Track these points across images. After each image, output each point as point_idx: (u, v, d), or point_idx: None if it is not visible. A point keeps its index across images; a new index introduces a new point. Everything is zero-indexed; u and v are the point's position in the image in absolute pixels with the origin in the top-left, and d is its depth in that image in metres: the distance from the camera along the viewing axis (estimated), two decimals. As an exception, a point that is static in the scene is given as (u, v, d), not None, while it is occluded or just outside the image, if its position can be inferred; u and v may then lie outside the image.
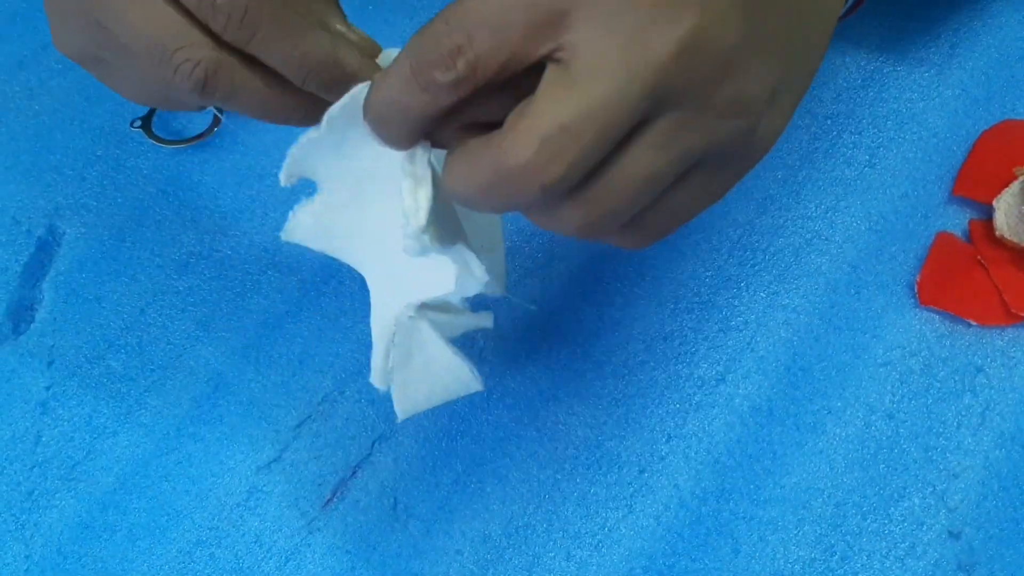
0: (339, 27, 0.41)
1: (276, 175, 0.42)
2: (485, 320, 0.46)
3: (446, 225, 0.40)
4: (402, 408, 0.47)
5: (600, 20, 0.33)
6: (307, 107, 0.40)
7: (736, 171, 0.39)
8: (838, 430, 0.52)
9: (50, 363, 0.55)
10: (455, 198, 0.36)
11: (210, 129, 0.61)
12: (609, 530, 0.50)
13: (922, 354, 0.54)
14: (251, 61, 0.39)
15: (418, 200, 0.37)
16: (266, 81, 0.39)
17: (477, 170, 0.34)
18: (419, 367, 0.45)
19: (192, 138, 0.61)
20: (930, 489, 0.51)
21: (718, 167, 0.38)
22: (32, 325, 0.56)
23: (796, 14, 0.37)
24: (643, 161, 0.34)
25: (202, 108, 0.42)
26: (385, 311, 0.44)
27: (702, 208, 0.39)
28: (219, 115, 0.61)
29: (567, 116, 0.32)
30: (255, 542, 0.51)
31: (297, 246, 0.57)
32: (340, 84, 0.38)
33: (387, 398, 0.53)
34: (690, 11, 0.33)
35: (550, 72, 0.33)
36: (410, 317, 0.43)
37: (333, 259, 0.47)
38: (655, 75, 0.33)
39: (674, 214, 0.38)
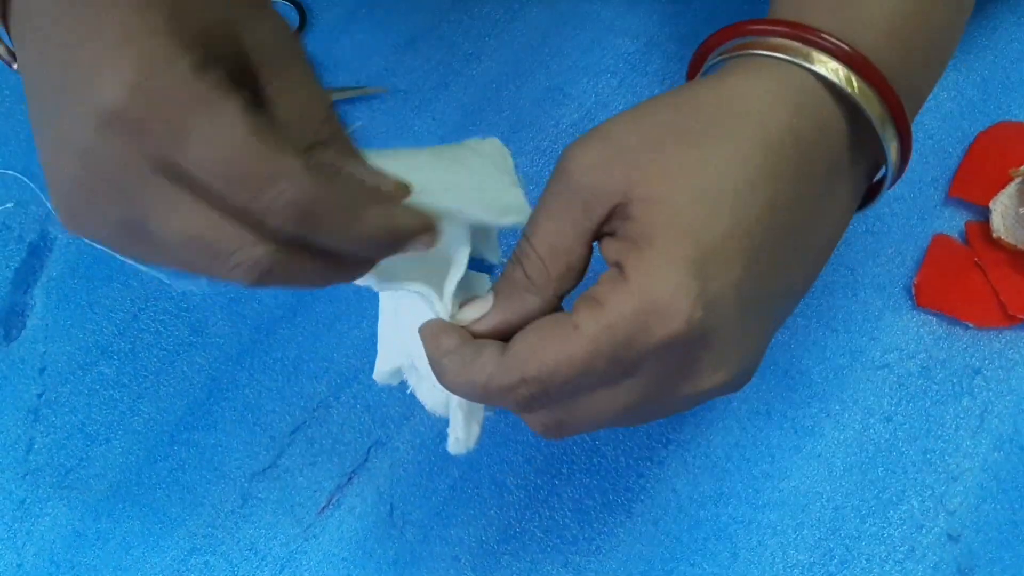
0: (376, 183, 0.38)
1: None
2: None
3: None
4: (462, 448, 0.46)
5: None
6: (360, 271, 0.40)
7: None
8: (836, 433, 0.52)
9: (42, 370, 0.54)
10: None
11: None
12: (607, 535, 0.50)
13: (920, 356, 0.54)
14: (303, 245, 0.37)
15: (471, 432, 0.43)
16: (320, 261, 0.37)
17: (471, 378, 0.38)
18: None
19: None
20: (929, 492, 0.51)
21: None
22: (24, 331, 0.55)
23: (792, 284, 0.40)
24: (619, 403, 0.38)
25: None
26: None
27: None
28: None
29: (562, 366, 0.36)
30: (250, 549, 0.50)
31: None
32: (398, 248, 0.37)
33: (383, 403, 0.53)
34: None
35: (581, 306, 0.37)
36: None
37: None
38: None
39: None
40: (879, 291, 0.56)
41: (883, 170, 0.41)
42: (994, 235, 0.55)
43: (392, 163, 0.39)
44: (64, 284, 0.57)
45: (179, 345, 0.55)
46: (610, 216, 0.37)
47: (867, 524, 0.50)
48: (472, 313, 0.40)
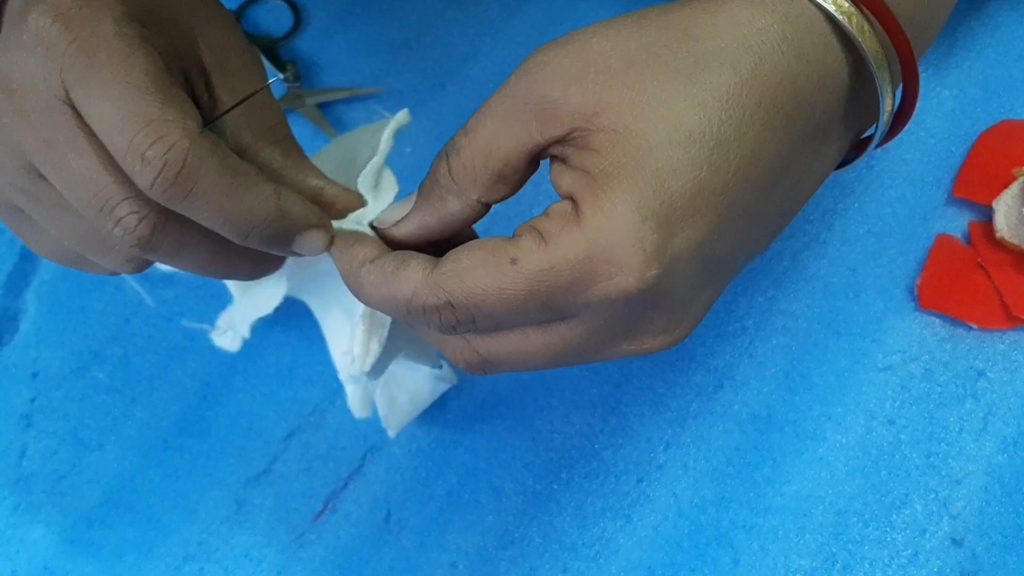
0: (309, 179, 0.38)
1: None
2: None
3: (397, 345, 0.42)
4: (394, 423, 0.47)
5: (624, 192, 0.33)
6: (255, 264, 0.39)
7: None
8: (838, 437, 0.52)
9: (34, 375, 0.54)
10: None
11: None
12: (607, 541, 0.50)
13: (923, 358, 0.53)
14: None
15: (369, 348, 0.39)
16: (209, 240, 0.36)
17: (393, 291, 0.35)
18: (399, 381, 0.46)
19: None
20: (932, 495, 0.50)
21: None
22: (16, 336, 0.55)
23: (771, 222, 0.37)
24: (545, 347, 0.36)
25: (116, 273, 0.39)
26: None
27: None
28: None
29: (496, 292, 0.34)
30: (244, 556, 0.50)
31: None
32: (286, 238, 0.36)
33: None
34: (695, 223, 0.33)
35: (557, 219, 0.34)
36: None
37: None
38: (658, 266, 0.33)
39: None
40: (881, 293, 0.55)
41: (873, 128, 0.38)
42: (997, 235, 0.55)
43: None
44: (56, 288, 0.56)
45: (172, 350, 0.54)
46: (566, 138, 0.34)
47: (870, 528, 0.50)
48: (391, 215, 0.38)
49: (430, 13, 0.64)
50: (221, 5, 0.39)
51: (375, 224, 0.38)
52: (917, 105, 0.38)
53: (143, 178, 0.33)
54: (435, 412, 0.52)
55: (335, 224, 0.38)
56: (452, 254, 0.35)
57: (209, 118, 0.37)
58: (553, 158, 0.35)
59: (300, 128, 0.60)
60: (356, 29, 0.63)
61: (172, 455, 0.52)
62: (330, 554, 0.50)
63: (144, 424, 0.53)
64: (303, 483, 0.51)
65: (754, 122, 0.33)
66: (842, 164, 0.40)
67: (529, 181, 0.37)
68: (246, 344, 0.53)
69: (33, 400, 0.53)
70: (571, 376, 0.53)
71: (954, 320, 0.54)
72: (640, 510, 0.50)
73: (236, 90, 0.37)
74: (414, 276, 0.35)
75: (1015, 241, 0.54)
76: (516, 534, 0.50)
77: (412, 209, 0.37)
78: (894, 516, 0.50)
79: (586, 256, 0.32)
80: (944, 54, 0.62)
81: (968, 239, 0.56)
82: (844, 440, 0.52)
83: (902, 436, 0.52)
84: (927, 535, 0.50)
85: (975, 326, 0.54)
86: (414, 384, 0.48)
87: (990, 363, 0.53)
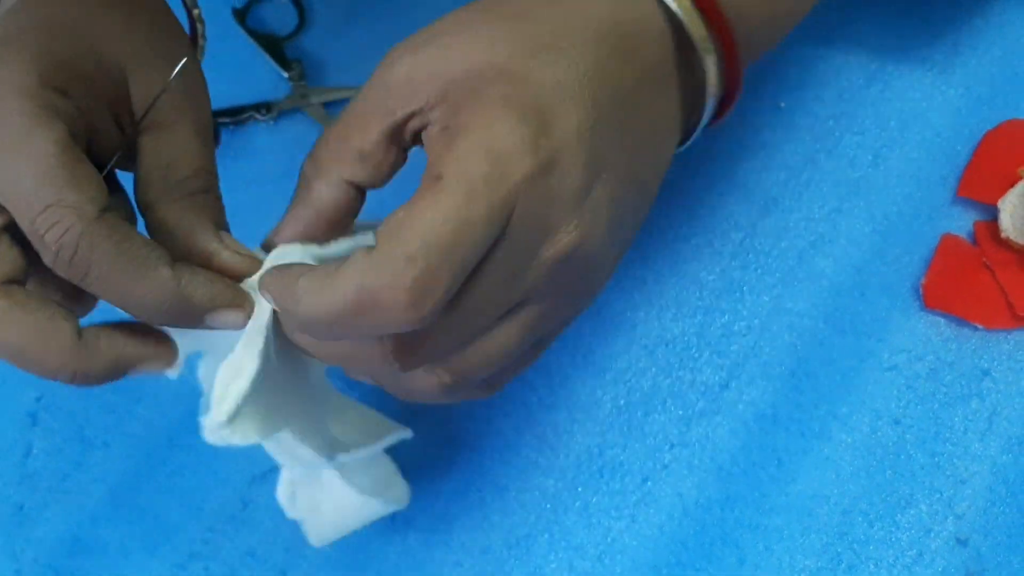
0: (204, 243, 0.37)
1: (269, 194, 0.41)
2: (403, 433, 0.45)
3: (278, 405, 0.38)
4: (314, 534, 0.46)
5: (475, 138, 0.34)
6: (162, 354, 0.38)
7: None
8: (844, 436, 0.52)
9: (40, 373, 0.54)
10: (301, 326, 0.35)
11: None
12: (612, 540, 0.50)
13: (928, 358, 0.53)
14: None
15: (228, 392, 0.36)
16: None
17: (337, 290, 0.33)
18: (329, 509, 0.44)
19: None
20: (937, 495, 0.50)
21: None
22: (21, 334, 0.55)
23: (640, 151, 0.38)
24: (514, 337, 0.36)
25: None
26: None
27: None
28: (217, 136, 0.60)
29: (441, 229, 0.32)
30: (250, 555, 0.50)
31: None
32: (192, 319, 0.36)
33: (384, 408, 0.52)
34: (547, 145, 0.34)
35: (423, 187, 0.34)
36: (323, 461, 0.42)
37: None
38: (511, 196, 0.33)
39: (519, 367, 0.40)
40: (886, 292, 0.55)
41: (707, 102, 0.40)
42: (1003, 235, 0.54)
43: None
44: (61, 286, 0.56)
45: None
46: (422, 108, 0.35)
47: (875, 528, 0.50)
48: (273, 231, 0.38)
49: (435, 11, 0.63)
50: (162, 35, 0.39)
51: (262, 245, 0.38)
52: (741, 84, 0.40)
53: (45, 258, 0.34)
54: (441, 411, 0.52)
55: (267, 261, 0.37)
56: (381, 226, 0.33)
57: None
58: (418, 136, 0.36)
59: (306, 127, 0.60)
60: (361, 27, 0.63)
61: (177, 453, 0.52)
62: (335, 552, 0.50)
63: (149, 422, 0.53)
64: (308, 482, 0.51)
65: (588, 40, 0.36)
66: (684, 141, 0.42)
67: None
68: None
69: (39, 399, 0.53)
70: (577, 376, 0.53)
71: (959, 320, 0.54)
72: (646, 509, 0.50)
73: (161, 133, 0.37)
74: (358, 262, 0.33)
75: (1020, 241, 0.54)
76: (521, 533, 0.50)
77: (287, 213, 0.38)
78: (899, 516, 0.50)
79: (488, 150, 0.33)
80: (950, 53, 0.62)
81: (973, 239, 0.56)
82: (849, 439, 0.52)
83: (907, 436, 0.52)
84: (932, 535, 0.50)
85: (980, 326, 0.54)
86: (343, 497, 0.44)
87: (995, 363, 0.53)
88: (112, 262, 0.34)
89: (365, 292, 0.32)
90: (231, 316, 0.36)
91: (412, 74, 0.36)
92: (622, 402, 0.52)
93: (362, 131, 0.36)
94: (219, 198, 0.38)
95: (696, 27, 0.38)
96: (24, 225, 0.34)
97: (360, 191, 0.37)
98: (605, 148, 0.36)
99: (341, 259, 0.33)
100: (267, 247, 0.38)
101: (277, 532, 0.50)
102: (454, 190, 0.33)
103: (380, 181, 0.37)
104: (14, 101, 0.34)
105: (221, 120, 0.60)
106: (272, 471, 0.51)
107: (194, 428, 0.52)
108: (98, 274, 0.34)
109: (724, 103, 0.41)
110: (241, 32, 0.63)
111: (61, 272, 0.34)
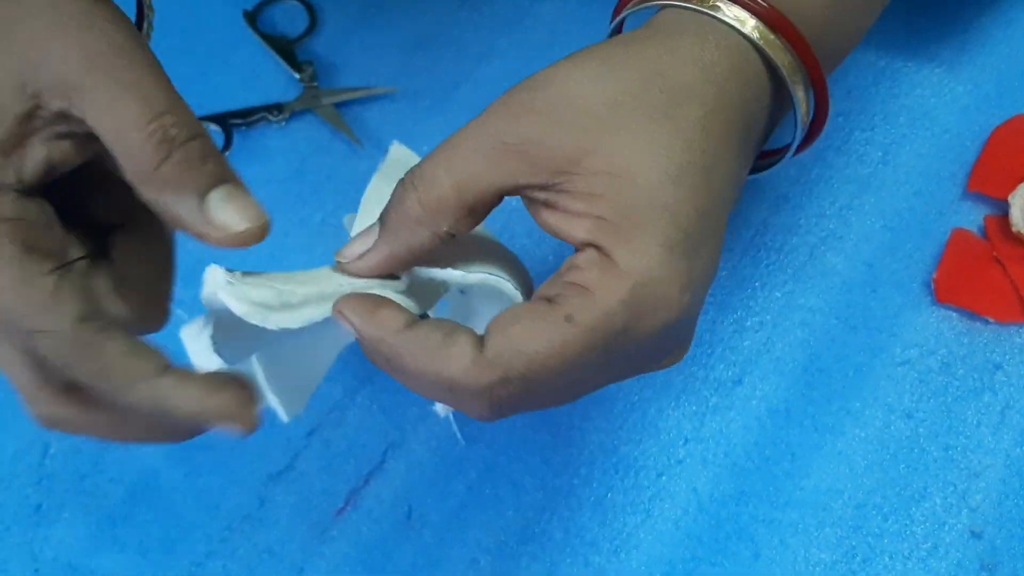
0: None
1: (281, 195, 0.41)
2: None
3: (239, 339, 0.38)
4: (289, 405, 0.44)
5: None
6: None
7: None
8: (857, 431, 0.52)
9: (56, 374, 0.54)
10: (386, 364, 0.35)
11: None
12: (627, 536, 0.50)
13: (940, 352, 0.54)
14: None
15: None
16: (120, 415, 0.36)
17: (433, 367, 0.34)
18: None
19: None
20: (951, 489, 0.51)
21: None
22: (37, 336, 0.55)
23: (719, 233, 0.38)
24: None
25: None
26: None
27: None
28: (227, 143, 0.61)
29: (547, 363, 0.33)
30: (267, 553, 0.50)
31: (307, 256, 0.57)
32: (182, 435, 0.36)
33: (399, 405, 0.52)
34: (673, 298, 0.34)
35: (550, 307, 0.34)
36: None
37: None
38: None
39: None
40: (898, 287, 0.55)
41: (796, 131, 0.41)
42: (1013, 229, 0.55)
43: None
44: (77, 288, 0.56)
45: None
46: (550, 183, 0.35)
47: (889, 522, 0.50)
48: (353, 250, 0.37)
49: (445, 13, 0.64)
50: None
51: (338, 259, 0.37)
52: (829, 113, 0.41)
53: (48, 367, 0.34)
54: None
55: (345, 284, 0.37)
56: (497, 326, 0.34)
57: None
58: (530, 201, 0.36)
59: (317, 128, 0.61)
60: (372, 29, 0.64)
61: (194, 452, 0.52)
62: (352, 550, 0.50)
63: (166, 422, 0.53)
64: (324, 480, 0.51)
65: (725, 146, 0.36)
66: (756, 170, 0.43)
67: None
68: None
69: (55, 399, 0.54)
70: (589, 372, 0.53)
71: (971, 314, 0.54)
72: (660, 505, 0.50)
73: (96, 110, 0.34)
74: (463, 353, 0.33)
75: (1031, 235, 0.54)
76: (536, 529, 0.50)
77: (379, 241, 0.36)
78: (913, 509, 0.50)
79: (632, 298, 0.33)
80: (958, 50, 0.62)
81: (984, 233, 0.56)
82: (863, 434, 0.52)
83: (920, 430, 0.52)
84: (946, 528, 0.50)
85: (992, 320, 0.54)
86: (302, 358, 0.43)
87: (1007, 356, 0.53)
88: (96, 376, 0.34)
89: (458, 385, 0.34)
90: (226, 428, 0.34)
91: (548, 148, 0.34)
92: (635, 398, 0.53)
93: (476, 188, 0.35)
94: (190, 147, 0.34)
95: (792, 72, 0.39)
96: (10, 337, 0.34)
97: (456, 238, 0.36)
98: (714, 250, 0.36)
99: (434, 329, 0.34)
100: (345, 269, 0.37)
101: (294, 530, 0.50)
102: (579, 338, 0.33)
103: (471, 229, 0.37)
104: None
105: (233, 122, 0.61)
106: (288, 469, 0.52)
107: (211, 427, 0.53)
108: (89, 390, 0.34)
109: (814, 128, 0.42)
110: (252, 34, 0.63)
111: (64, 377, 0.34)
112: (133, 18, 0.43)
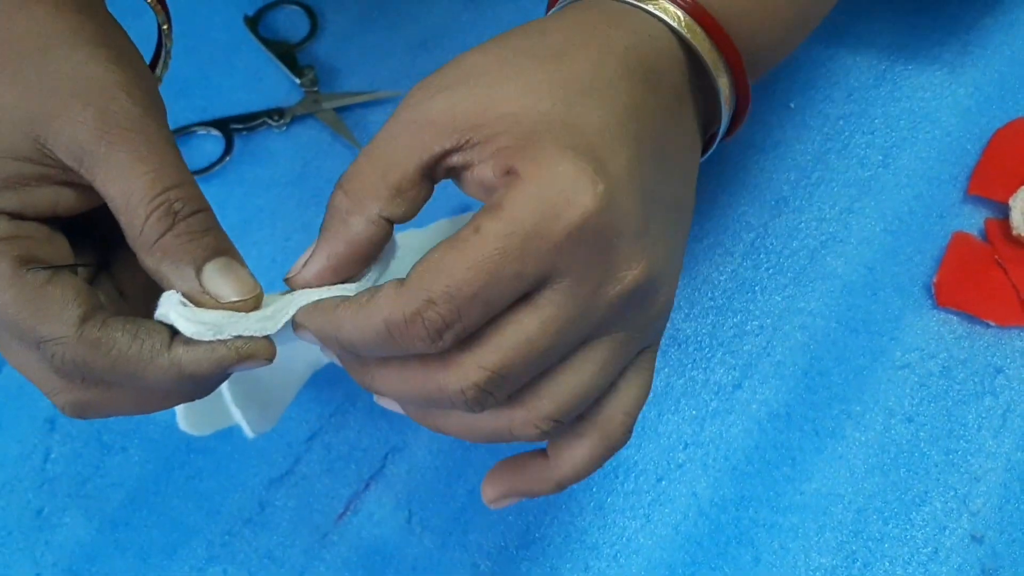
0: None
1: (282, 199, 0.41)
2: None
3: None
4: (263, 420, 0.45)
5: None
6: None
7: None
8: (857, 434, 0.52)
9: (58, 379, 0.54)
10: (343, 350, 0.36)
11: (220, 159, 0.60)
12: (627, 540, 0.50)
13: (941, 356, 0.54)
14: None
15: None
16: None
17: (369, 319, 0.34)
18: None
19: (201, 170, 0.60)
20: (952, 493, 0.50)
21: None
22: (39, 341, 0.55)
23: (675, 185, 0.39)
24: (587, 374, 0.36)
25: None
26: None
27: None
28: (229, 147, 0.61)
29: (466, 278, 0.33)
30: (268, 557, 0.50)
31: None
32: (208, 387, 0.37)
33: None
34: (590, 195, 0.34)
35: (464, 232, 0.34)
36: None
37: None
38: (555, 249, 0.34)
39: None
40: (899, 290, 0.55)
41: (723, 116, 0.42)
42: (1014, 232, 0.55)
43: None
44: (79, 293, 0.57)
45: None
46: (462, 144, 0.36)
47: (890, 526, 0.50)
48: (299, 261, 0.37)
49: (446, 16, 0.64)
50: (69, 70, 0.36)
51: (286, 280, 0.38)
52: (751, 99, 0.43)
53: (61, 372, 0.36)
54: (455, 413, 0.52)
55: (299, 296, 0.37)
56: (416, 264, 0.34)
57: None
58: (454, 171, 0.37)
59: (318, 132, 0.61)
60: (373, 33, 0.64)
61: (195, 457, 0.52)
62: (353, 554, 0.50)
63: (167, 426, 0.53)
64: (325, 484, 0.51)
65: (618, 75, 0.37)
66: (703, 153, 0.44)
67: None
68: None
69: (57, 404, 0.54)
70: (590, 376, 0.53)
71: (972, 317, 0.54)
72: (660, 509, 0.50)
73: (103, 177, 0.36)
74: (386, 293, 0.34)
75: (1032, 238, 0.54)
76: (537, 534, 0.50)
77: (317, 244, 0.37)
78: (914, 513, 0.50)
79: (540, 199, 0.34)
80: (959, 52, 0.62)
81: (985, 236, 0.56)
82: (863, 438, 0.52)
83: (921, 433, 0.52)
84: (947, 532, 0.50)
85: (993, 323, 0.54)
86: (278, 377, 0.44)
87: (1008, 360, 0.53)
88: (111, 369, 0.35)
89: (393, 324, 0.34)
90: (248, 365, 0.36)
91: (452, 112, 0.36)
92: (636, 402, 0.53)
93: (398, 166, 0.36)
94: (190, 222, 0.36)
95: (709, 53, 0.40)
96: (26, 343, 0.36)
97: (391, 225, 0.37)
98: (650, 179, 0.37)
99: (368, 290, 0.35)
100: (295, 283, 0.37)
101: (295, 534, 0.50)
102: (489, 245, 0.33)
103: (412, 214, 0.37)
104: None
105: (234, 126, 0.61)
106: (289, 474, 0.52)
107: (211, 432, 0.53)
108: (108, 379, 0.36)
109: (736, 117, 0.43)
110: (253, 39, 0.64)
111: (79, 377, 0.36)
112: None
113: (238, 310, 0.36)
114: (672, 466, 0.51)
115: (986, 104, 0.60)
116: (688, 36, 0.39)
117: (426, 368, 0.35)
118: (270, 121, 0.61)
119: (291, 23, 0.64)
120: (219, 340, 0.35)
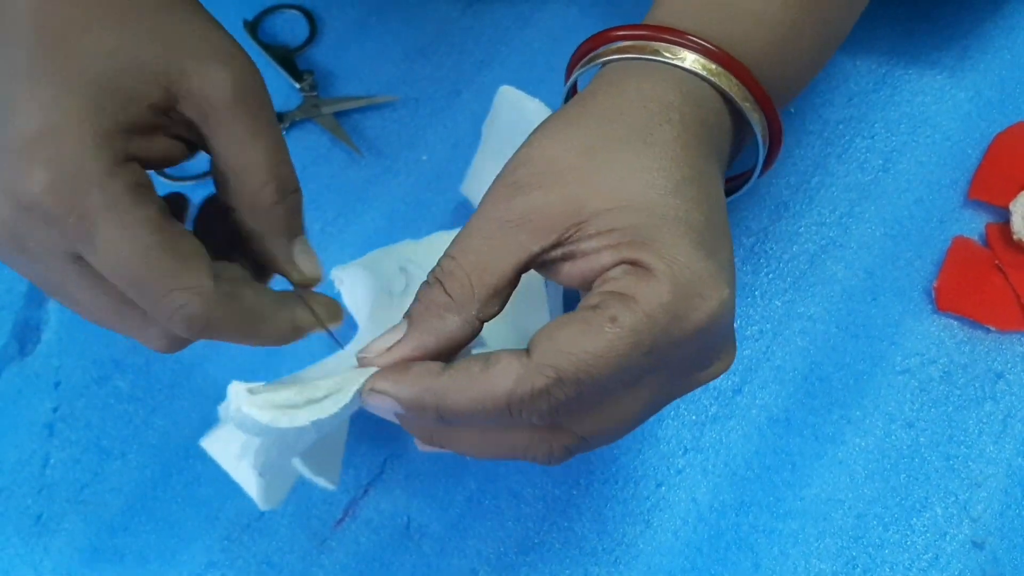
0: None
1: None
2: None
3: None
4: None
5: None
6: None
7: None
8: (857, 440, 0.52)
9: (57, 384, 0.54)
10: (437, 416, 0.36)
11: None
12: (627, 546, 0.50)
13: (941, 361, 0.53)
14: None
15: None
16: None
17: (488, 389, 0.35)
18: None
19: (200, 175, 0.59)
20: (952, 499, 0.50)
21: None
22: (38, 346, 0.55)
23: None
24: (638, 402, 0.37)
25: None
26: None
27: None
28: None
29: (595, 363, 0.34)
30: (266, 563, 0.50)
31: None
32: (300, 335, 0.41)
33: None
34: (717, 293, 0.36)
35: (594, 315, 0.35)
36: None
37: (334, 279, 0.49)
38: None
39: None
40: (899, 295, 0.55)
41: (759, 152, 0.44)
42: (1015, 237, 0.54)
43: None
44: (78, 298, 0.57)
45: (193, 358, 0.55)
46: (560, 241, 0.36)
47: (890, 532, 0.50)
48: (383, 343, 0.37)
49: (445, 21, 0.64)
50: (204, 30, 0.39)
51: (360, 358, 0.38)
52: (783, 139, 0.44)
53: (172, 327, 0.37)
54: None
55: (366, 373, 0.37)
56: (542, 336, 0.35)
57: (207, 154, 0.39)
58: (547, 264, 0.37)
59: (317, 137, 0.61)
60: (372, 38, 0.64)
61: (194, 463, 0.52)
62: (351, 561, 0.50)
63: (165, 432, 0.53)
64: (324, 490, 0.51)
65: (699, 156, 0.38)
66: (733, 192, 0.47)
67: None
68: (266, 352, 0.54)
69: (55, 409, 0.54)
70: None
71: (972, 322, 0.54)
72: (660, 515, 0.50)
73: (226, 140, 0.38)
74: (510, 366, 0.34)
75: (1033, 243, 0.54)
76: (536, 540, 0.50)
77: (408, 332, 0.37)
78: (914, 519, 0.50)
79: (673, 296, 0.35)
80: (959, 56, 0.62)
81: (985, 241, 0.56)
82: (863, 443, 0.52)
83: (921, 439, 0.52)
84: (947, 538, 0.49)
85: (993, 328, 0.54)
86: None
87: (1009, 365, 0.53)
88: (236, 327, 0.38)
89: (516, 397, 0.34)
90: (332, 324, 0.41)
91: (548, 210, 0.36)
92: (635, 408, 0.52)
93: (496, 270, 0.36)
94: (293, 198, 0.40)
95: (744, 99, 0.42)
96: (145, 303, 0.36)
97: (483, 323, 0.38)
98: (730, 253, 0.38)
99: (470, 360, 0.35)
100: (369, 363, 0.38)
101: (294, 540, 0.50)
102: (624, 337, 0.34)
103: (499, 311, 0.38)
104: (96, 178, 0.35)
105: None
106: (287, 479, 0.52)
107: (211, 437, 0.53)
108: (226, 336, 0.38)
109: (770, 152, 0.45)
110: (253, 44, 0.63)
111: (190, 336, 0.38)
112: None
113: (310, 284, 0.41)
114: (672, 471, 0.51)
115: (986, 108, 0.60)
116: (722, 85, 0.41)
117: (519, 431, 0.36)
118: (269, 126, 0.61)
119: (290, 28, 0.64)
120: (316, 303, 0.40)
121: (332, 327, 0.41)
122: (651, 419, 0.51)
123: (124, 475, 0.52)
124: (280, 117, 0.61)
